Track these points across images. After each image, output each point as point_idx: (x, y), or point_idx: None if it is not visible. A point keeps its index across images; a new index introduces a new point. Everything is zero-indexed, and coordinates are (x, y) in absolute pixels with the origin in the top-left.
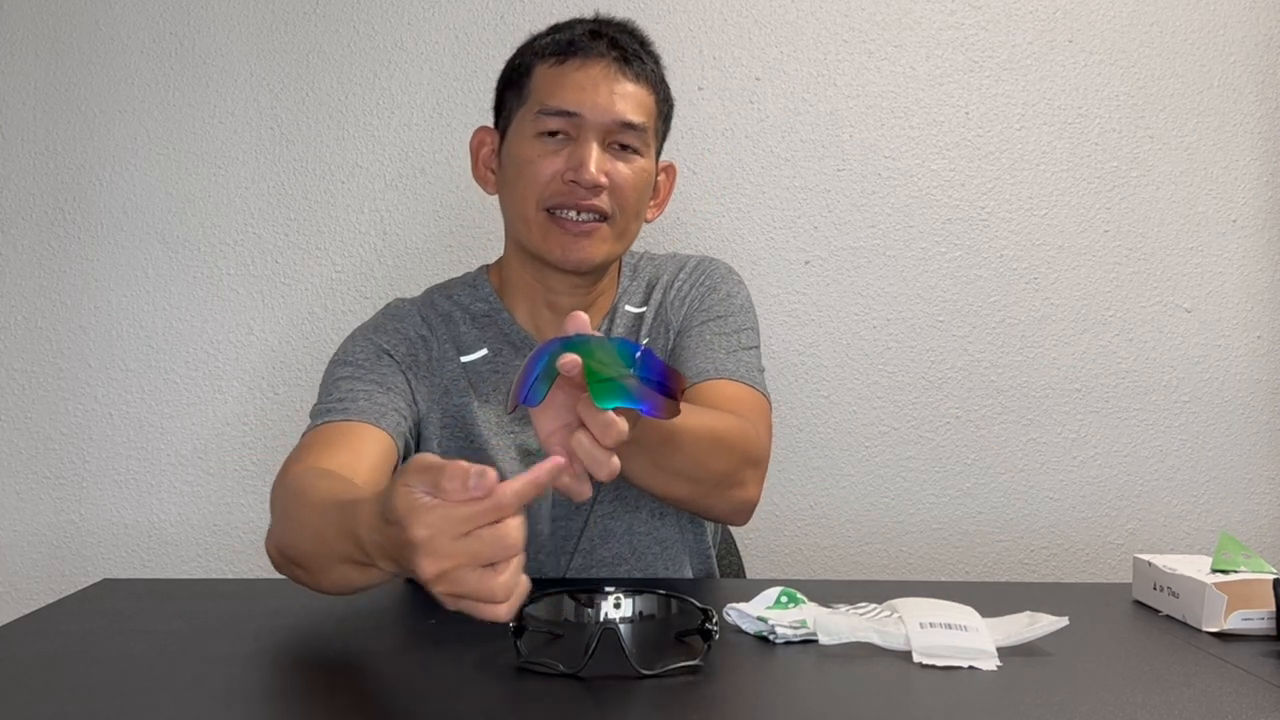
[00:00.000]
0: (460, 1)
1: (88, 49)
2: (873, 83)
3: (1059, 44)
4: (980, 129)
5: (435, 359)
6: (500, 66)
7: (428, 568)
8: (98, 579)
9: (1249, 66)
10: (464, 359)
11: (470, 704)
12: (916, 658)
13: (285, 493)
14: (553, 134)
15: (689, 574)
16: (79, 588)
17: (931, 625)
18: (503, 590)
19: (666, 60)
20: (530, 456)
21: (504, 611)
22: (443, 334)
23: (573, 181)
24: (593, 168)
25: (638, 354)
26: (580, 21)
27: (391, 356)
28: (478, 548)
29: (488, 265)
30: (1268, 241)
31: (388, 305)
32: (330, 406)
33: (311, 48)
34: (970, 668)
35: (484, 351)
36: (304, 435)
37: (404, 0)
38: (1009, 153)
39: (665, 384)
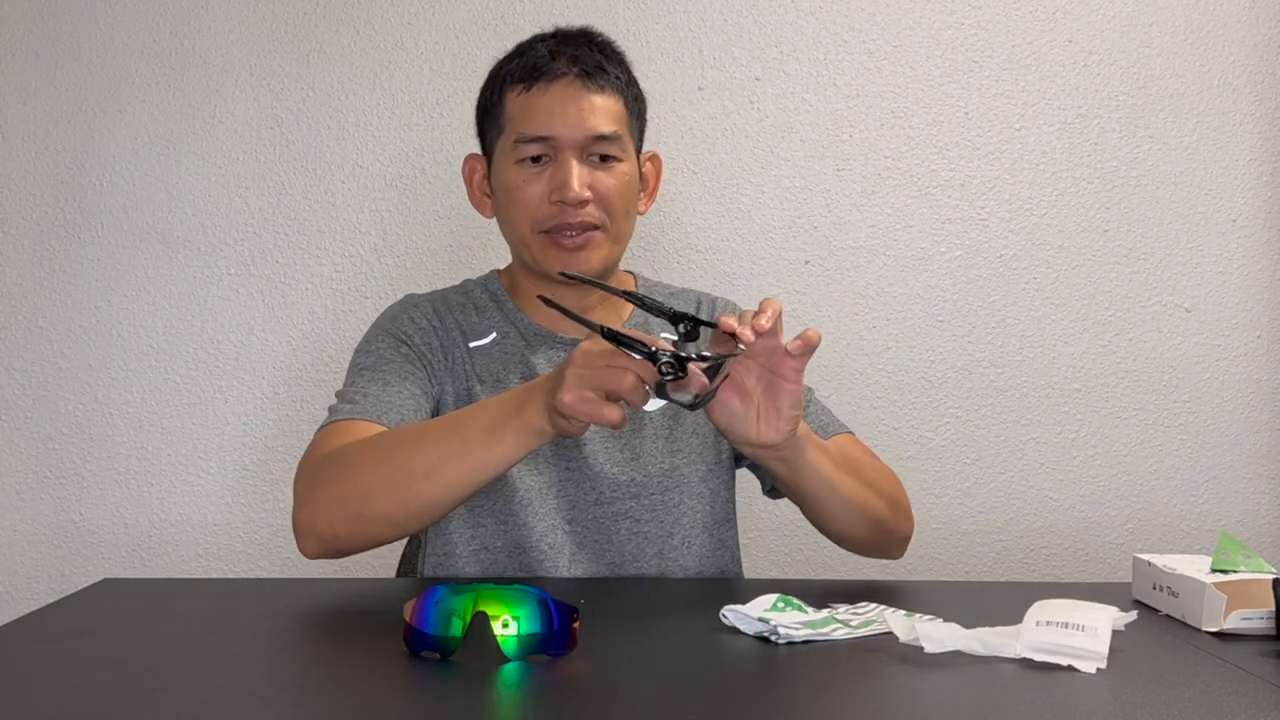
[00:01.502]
0: (460, 1)
1: (88, 49)
2: (873, 83)
3: (1059, 44)
4: (980, 129)
5: (445, 346)
6: None
7: (575, 358)
8: (98, 579)
9: (1249, 67)
10: (472, 344)
11: (480, 698)
12: (1023, 652)
13: (360, 446)
14: (534, 159)
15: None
16: (79, 588)
17: (1049, 624)
18: (623, 387)
19: (666, 60)
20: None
21: (616, 416)
22: (451, 323)
23: (559, 202)
24: (575, 185)
25: (539, 601)
26: (541, 40)
27: (409, 344)
28: (609, 363)
29: (498, 269)
30: (1268, 241)
31: (402, 299)
32: (341, 406)
33: (311, 47)
34: (1070, 667)
35: (493, 335)
36: (322, 427)
37: (404, 0)
38: (1009, 153)
39: (563, 625)
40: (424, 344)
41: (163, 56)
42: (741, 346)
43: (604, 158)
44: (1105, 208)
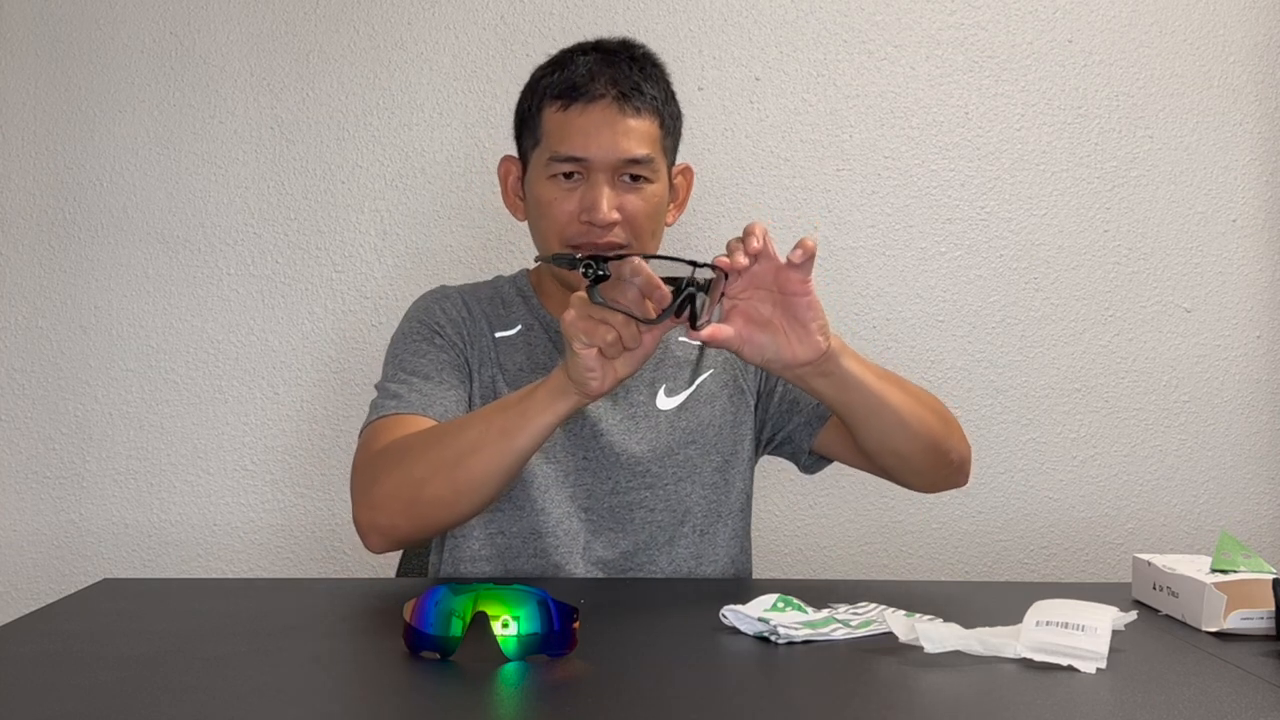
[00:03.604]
0: (460, 1)
1: (88, 49)
2: (873, 83)
3: (1059, 44)
4: (980, 129)
5: (471, 335)
6: (500, 66)
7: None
8: (98, 579)
9: (1248, 67)
10: (498, 334)
11: (480, 698)
12: (1023, 652)
13: (409, 439)
14: (566, 175)
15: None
16: (79, 588)
17: (1049, 624)
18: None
19: (666, 60)
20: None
21: (610, 334)
22: (478, 313)
23: (588, 222)
24: (604, 208)
25: (540, 602)
26: (582, 53)
27: (441, 335)
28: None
29: (528, 269)
30: (1268, 241)
31: (435, 289)
32: (385, 402)
33: (311, 48)
34: (1070, 667)
35: (518, 327)
36: (369, 424)
37: (404, 0)
38: (1009, 153)
39: (563, 625)
40: (455, 334)
41: (163, 56)
42: (706, 268)
43: (634, 177)
44: (1105, 208)
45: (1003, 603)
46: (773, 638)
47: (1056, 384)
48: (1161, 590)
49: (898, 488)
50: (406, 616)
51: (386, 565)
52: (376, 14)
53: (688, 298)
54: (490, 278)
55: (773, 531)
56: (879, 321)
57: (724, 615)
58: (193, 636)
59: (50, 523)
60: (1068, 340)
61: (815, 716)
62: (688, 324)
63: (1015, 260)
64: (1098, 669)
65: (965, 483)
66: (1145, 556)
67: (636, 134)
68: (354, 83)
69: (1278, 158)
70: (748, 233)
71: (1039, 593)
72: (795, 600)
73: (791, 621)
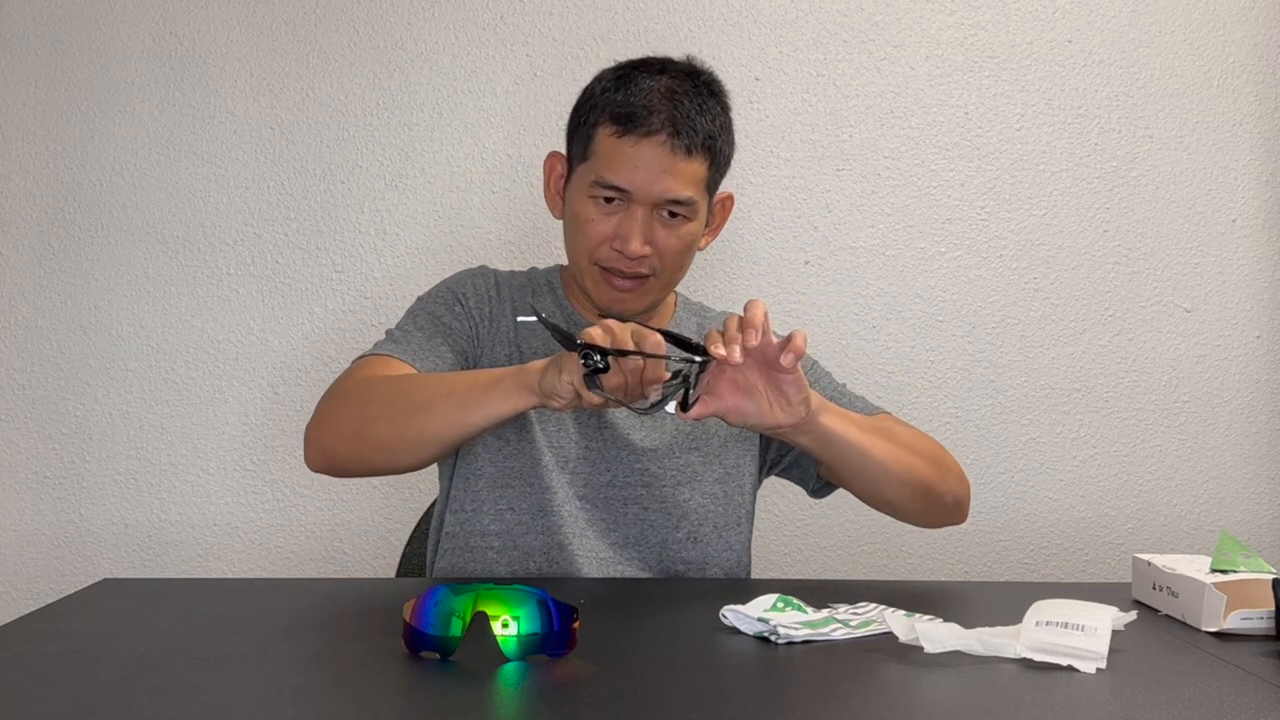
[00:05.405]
0: (460, 1)
1: (88, 49)
2: (873, 83)
3: (1059, 44)
4: (980, 129)
5: (494, 315)
6: (500, 66)
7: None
8: (98, 579)
9: (1248, 67)
10: (519, 319)
11: (480, 698)
12: (1023, 652)
13: (379, 380)
14: (607, 199)
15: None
16: (79, 588)
17: (1049, 624)
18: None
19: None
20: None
21: (596, 398)
22: (506, 296)
23: (618, 250)
24: (635, 245)
25: (539, 602)
26: (646, 74)
27: (462, 304)
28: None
29: (562, 265)
30: (1268, 241)
31: (477, 267)
32: (384, 343)
33: (311, 48)
34: (1070, 667)
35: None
36: (362, 356)
37: (404, 0)
38: (1009, 153)
39: (563, 625)
40: (476, 308)
41: (163, 56)
42: (699, 359)
43: (673, 214)
44: (1105, 208)
45: (1003, 603)
46: (773, 638)
47: (1056, 384)
48: (1161, 590)
49: None
50: (406, 616)
51: (386, 565)
52: (376, 14)
53: (682, 387)
54: (525, 269)
55: (773, 531)
56: (879, 321)
57: (724, 615)
58: (193, 636)
59: (50, 523)
60: (1068, 340)
61: (815, 716)
62: (679, 406)
63: (1015, 260)
64: (1097, 669)
65: (963, 521)
66: (1145, 556)
67: (684, 176)
68: (354, 83)
69: (1278, 158)
70: (746, 323)
71: (1039, 593)
72: (795, 600)
73: (791, 621)
